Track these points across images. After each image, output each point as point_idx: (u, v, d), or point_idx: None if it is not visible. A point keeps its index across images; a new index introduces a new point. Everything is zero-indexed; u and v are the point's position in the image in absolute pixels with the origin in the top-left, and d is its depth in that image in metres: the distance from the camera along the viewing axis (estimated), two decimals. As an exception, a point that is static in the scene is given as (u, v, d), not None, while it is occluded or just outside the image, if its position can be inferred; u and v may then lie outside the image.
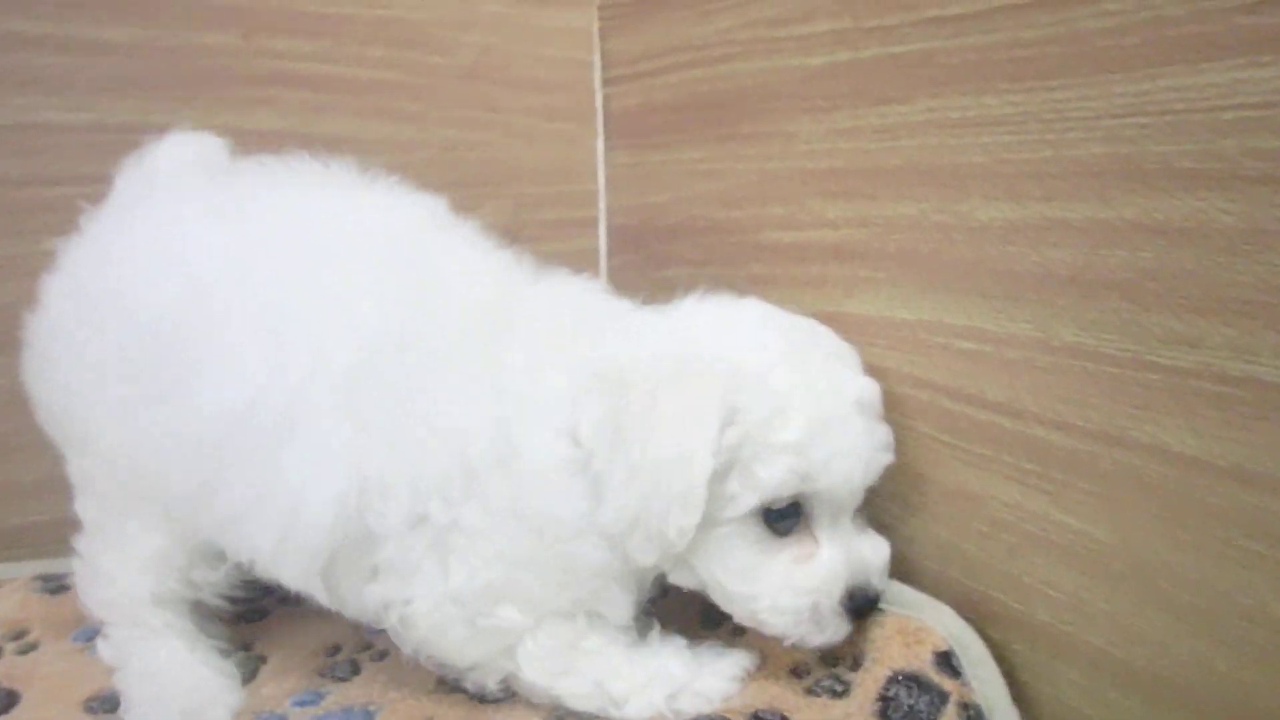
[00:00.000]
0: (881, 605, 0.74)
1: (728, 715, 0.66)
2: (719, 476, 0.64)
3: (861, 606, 0.67)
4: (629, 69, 1.16)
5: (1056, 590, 0.68)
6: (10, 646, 0.77)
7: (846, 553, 0.68)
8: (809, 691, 0.69)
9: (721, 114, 1.00)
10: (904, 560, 0.79)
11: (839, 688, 0.68)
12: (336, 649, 0.79)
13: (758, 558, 0.66)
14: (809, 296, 0.89)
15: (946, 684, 0.66)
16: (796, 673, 0.73)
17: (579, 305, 0.74)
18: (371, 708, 0.69)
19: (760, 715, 0.66)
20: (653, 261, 1.17)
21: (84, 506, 0.75)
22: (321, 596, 0.69)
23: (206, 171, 0.78)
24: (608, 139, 1.23)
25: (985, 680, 0.68)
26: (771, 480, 0.64)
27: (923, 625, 0.70)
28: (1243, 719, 0.57)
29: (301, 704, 0.71)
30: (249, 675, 0.75)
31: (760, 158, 0.95)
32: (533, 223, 1.19)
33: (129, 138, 0.95)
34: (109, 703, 0.70)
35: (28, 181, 0.92)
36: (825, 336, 0.75)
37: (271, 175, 0.75)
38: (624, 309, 0.76)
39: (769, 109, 0.92)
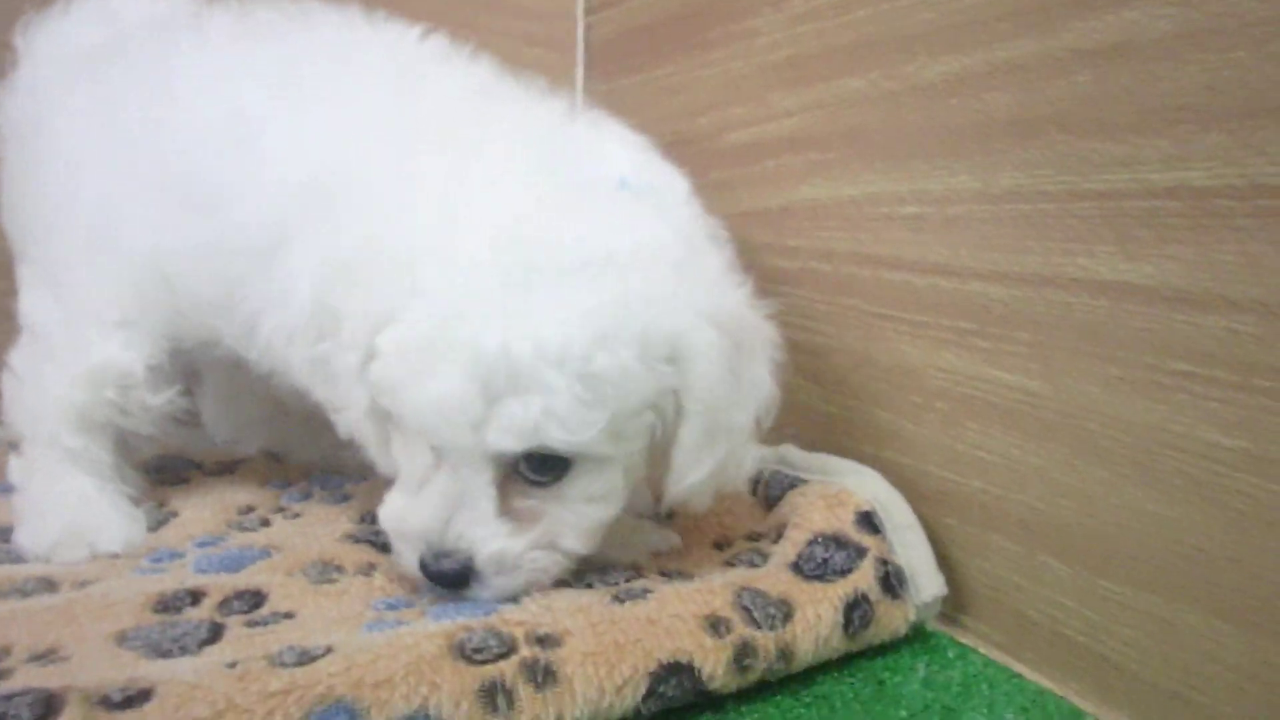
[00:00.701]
0: (805, 476, 0.72)
1: (644, 572, 0.63)
2: None
3: (435, 577, 0.57)
4: (609, -4, 1.16)
5: (989, 453, 0.64)
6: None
7: (438, 517, 0.57)
8: (728, 564, 0.66)
9: (691, 25, 0.99)
10: (842, 450, 0.76)
11: (758, 560, 0.65)
12: (250, 509, 0.76)
13: (404, 461, 0.60)
14: (765, 191, 0.87)
15: (866, 540, 0.63)
16: (718, 545, 0.70)
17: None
18: (272, 549, 0.67)
19: (667, 573, 0.63)
20: (624, 187, 1.15)
21: (34, 308, 0.73)
22: (318, 381, 0.66)
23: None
24: (587, 68, 1.22)
25: (909, 545, 0.64)
26: (380, 385, 0.57)
27: (845, 489, 0.67)
28: (1171, 564, 0.53)
29: (202, 545, 0.68)
30: (155, 525, 0.72)
31: (724, 60, 0.93)
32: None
33: None
34: (4, 534, 0.68)
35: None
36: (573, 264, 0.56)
37: (287, 13, 0.75)
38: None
39: (734, 9, 0.91)
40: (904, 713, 0.55)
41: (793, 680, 0.57)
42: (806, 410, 0.82)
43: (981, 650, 0.63)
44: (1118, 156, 0.55)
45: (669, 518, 0.73)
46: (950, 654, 0.62)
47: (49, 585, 0.59)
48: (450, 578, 0.56)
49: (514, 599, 0.56)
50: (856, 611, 0.58)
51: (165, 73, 0.72)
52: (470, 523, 0.56)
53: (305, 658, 0.46)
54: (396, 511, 0.59)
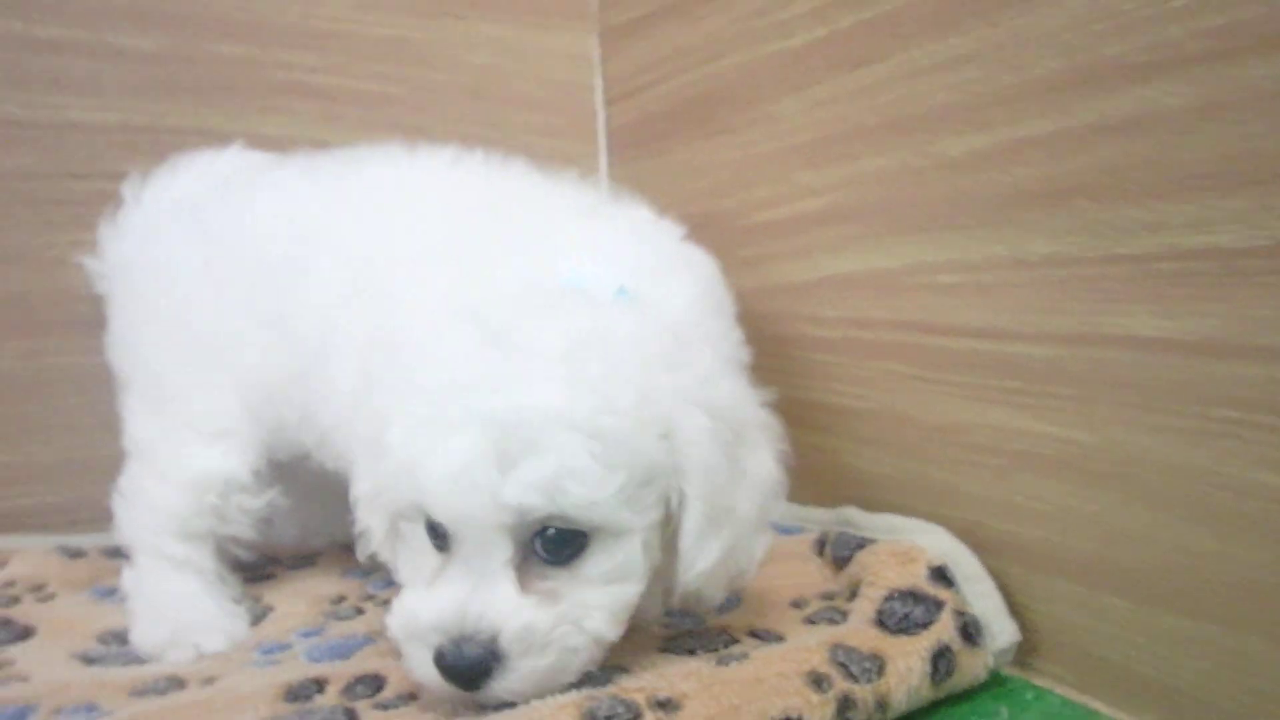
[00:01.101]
0: (872, 535, 0.75)
1: (729, 630, 0.66)
2: None
3: (454, 669, 0.53)
4: (627, 85, 1.23)
5: (1045, 503, 0.68)
6: (29, 596, 0.78)
7: (454, 602, 0.54)
8: (808, 621, 0.69)
9: (710, 111, 1.05)
10: (899, 508, 0.80)
11: (837, 617, 0.69)
12: (342, 598, 0.79)
13: (409, 568, 0.59)
14: (797, 266, 0.93)
15: (941, 593, 0.66)
16: (795, 604, 0.73)
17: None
18: (373, 636, 0.70)
19: (756, 632, 0.67)
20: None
21: (139, 429, 0.79)
22: None
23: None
24: (610, 154, 1.28)
25: (981, 595, 0.68)
26: (386, 479, 0.57)
27: (915, 546, 0.71)
28: (1232, 596, 0.57)
29: (306, 635, 0.72)
30: (256, 619, 0.76)
31: (746, 145, 0.99)
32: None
33: (152, 137, 1.02)
34: (121, 637, 0.72)
35: (56, 175, 0.98)
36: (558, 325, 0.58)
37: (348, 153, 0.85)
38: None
39: (754, 96, 0.98)
40: (996, 754, 0.58)
41: (888, 729, 0.60)
42: (859, 474, 0.86)
43: (1058, 691, 0.67)
44: (1146, 222, 0.60)
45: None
46: (1028, 696, 0.65)
47: (179, 683, 0.62)
48: (472, 666, 0.52)
49: (537, 694, 0.53)
50: (941, 661, 0.62)
51: (246, 212, 0.80)
52: (491, 602, 0.54)
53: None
54: (407, 609, 0.56)
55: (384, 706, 0.58)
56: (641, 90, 1.19)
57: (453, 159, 0.85)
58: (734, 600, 0.73)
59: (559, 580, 0.55)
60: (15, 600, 0.77)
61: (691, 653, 0.62)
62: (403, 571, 0.60)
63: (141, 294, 0.82)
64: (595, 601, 0.56)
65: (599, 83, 1.28)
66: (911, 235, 0.79)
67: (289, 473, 0.87)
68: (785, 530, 0.88)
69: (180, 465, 0.75)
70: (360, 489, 0.62)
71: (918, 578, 0.68)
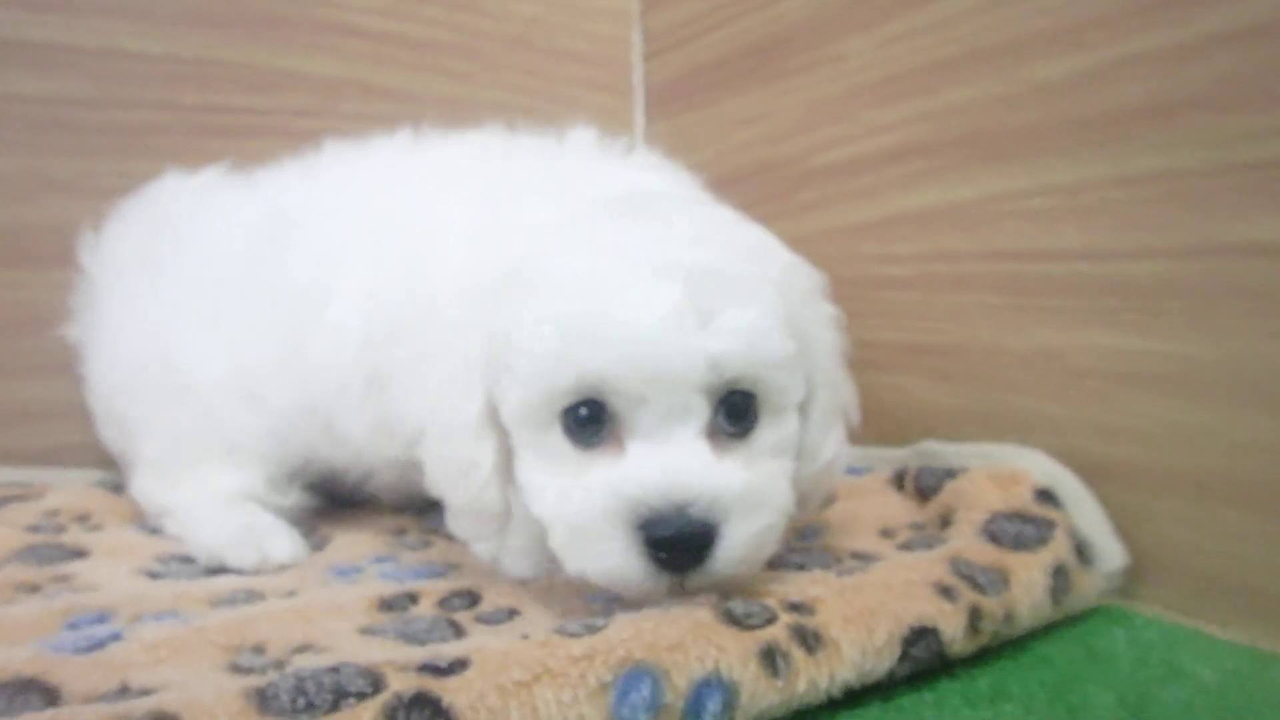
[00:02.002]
0: (962, 465, 0.73)
1: (831, 549, 0.64)
2: (495, 379, 0.54)
3: (658, 539, 0.48)
4: (670, 39, 1.21)
5: (1150, 421, 0.67)
6: (76, 525, 0.74)
7: (639, 468, 0.49)
8: (902, 547, 0.67)
9: (769, 56, 1.03)
10: (978, 440, 0.78)
11: (934, 543, 0.66)
12: (404, 530, 0.76)
13: (551, 477, 0.52)
14: (866, 205, 0.91)
15: (1051, 514, 0.64)
16: (885, 534, 0.71)
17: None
18: (451, 566, 0.67)
19: (857, 553, 0.64)
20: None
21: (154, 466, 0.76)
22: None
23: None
24: (648, 110, 1.26)
25: (1088, 516, 0.66)
26: (532, 370, 0.51)
27: (1016, 469, 0.69)
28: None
29: (380, 560, 0.68)
30: (317, 547, 0.73)
31: (807, 88, 0.98)
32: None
33: (199, 69, 0.99)
34: (183, 559, 0.68)
35: (102, 104, 0.94)
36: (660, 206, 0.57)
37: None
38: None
39: (817, 38, 0.96)
40: (1123, 670, 0.56)
41: (1011, 645, 0.58)
42: (936, 410, 0.84)
43: (1166, 618, 0.65)
44: (1265, 128, 0.59)
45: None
46: (1145, 616, 0.64)
47: (258, 595, 0.59)
48: (698, 534, 0.47)
49: (746, 571, 0.51)
50: (1060, 578, 0.60)
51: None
52: (705, 465, 0.49)
53: (587, 629, 0.46)
54: (594, 486, 0.49)
55: (485, 620, 0.55)
56: (687, 42, 1.17)
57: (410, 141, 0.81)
58: (813, 532, 0.71)
59: (738, 453, 0.52)
60: (62, 528, 0.73)
61: (802, 568, 0.60)
62: (534, 480, 0.53)
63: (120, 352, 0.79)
64: (778, 471, 0.54)
65: (637, 38, 1.26)
66: (996, 164, 0.77)
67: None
68: (855, 471, 0.86)
69: (204, 485, 0.73)
70: (457, 421, 0.55)
71: (1023, 499, 0.66)
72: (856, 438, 0.90)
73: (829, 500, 0.69)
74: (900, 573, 0.55)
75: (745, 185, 1.08)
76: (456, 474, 0.56)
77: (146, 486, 0.75)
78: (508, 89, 1.18)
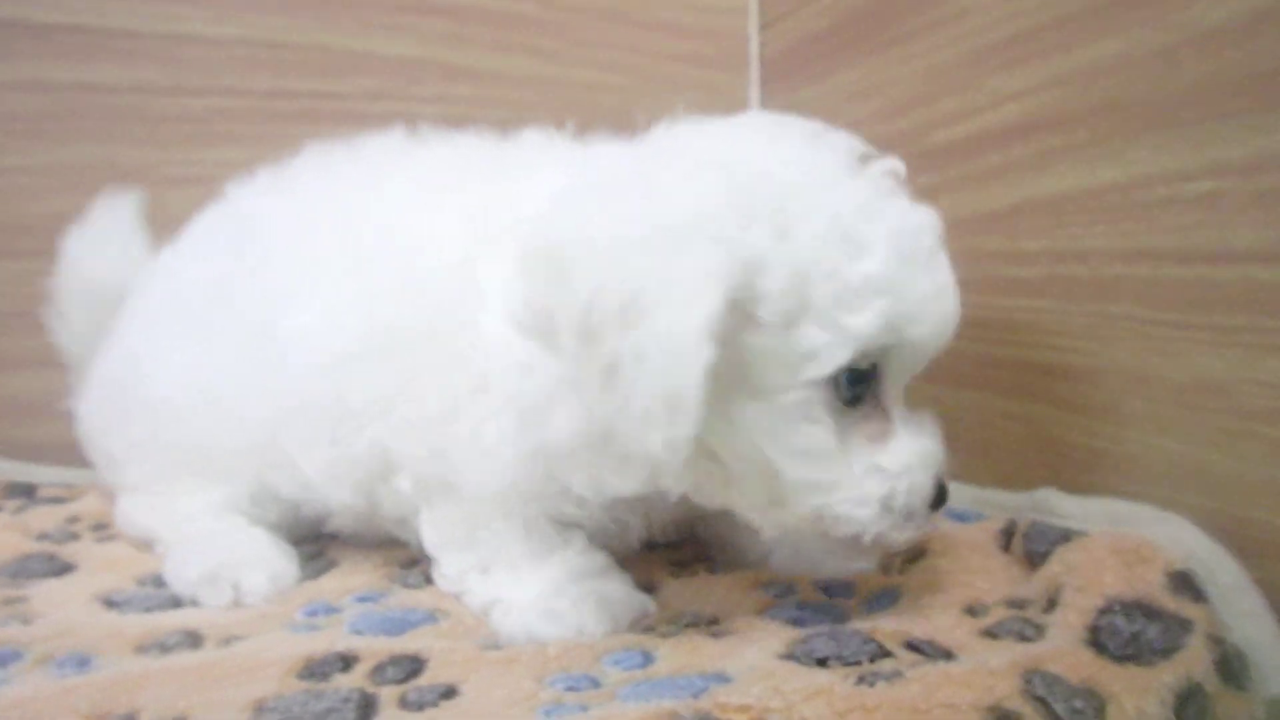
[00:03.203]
0: (1080, 526, 0.57)
1: (876, 637, 0.50)
2: (786, 326, 0.47)
3: (939, 500, 0.52)
4: (784, 6, 1.06)
5: (1354, 492, 0.48)
6: (90, 534, 0.72)
7: (934, 443, 0.52)
8: (987, 634, 0.52)
9: (882, 19, 0.88)
10: (1119, 492, 0.61)
11: (1030, 632, 0.51)
12: (413, 562, 0.68)
13: (829, 435, 0.49)
14: (990, 191, 0.74)
15: (1187, 609, 0.47)
16: (972, 611, 0.55)
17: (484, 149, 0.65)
18: (438, 614, 0.58)
19: (915, 644, 0.50)
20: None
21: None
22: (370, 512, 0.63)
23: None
24: (763, 87, 1.13)
25: (1246, 615, 0.48)
26: (864, 328, 0.47)
27: (1146, 542, 0.51)
28: None
29: (363, 599, 0.60)
30: (317, 572, 0.65)
31: (925, 53, 0.82)
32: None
33: (271, 53, 0.95)
34: (154, 582, 0.63)
35: (173, 91, 0.92)
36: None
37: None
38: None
39: (939, -7, 0.80)
40: None
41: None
42: (1064, 446, 0.67)
43: (1364, 763, 0.46)
44: None
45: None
46: (1320, 767, 0.46)
47: (193, 640, 0.52)
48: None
49: None
50: (1190, 706, 0.43)
51: None
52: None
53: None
54: (885, 467, 0.51)
55: (408, 703, 0.45)
56: (802, 6, 1.03)
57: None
58: (886, 598, 0.57)
59: None
60: (74, 536, 0.70)
61: (822, 663, 0.46)
62: (802, 459, 0.50)
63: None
64: None
65: (753, 4, 1.12)
66: (1148, 136, 0.60)
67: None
68: (959, 517, 0.70)
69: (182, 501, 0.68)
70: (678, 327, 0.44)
71: (1151, 585, 0.49)
72: (968, 475, 0.76)
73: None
74: (944, 689, 0.41)
75: (860, 169, 0.94)
76: (653, 421, 0.44)
77: (124, 510, 0.71)
78: (602, 67, 1.08)
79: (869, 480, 0.50)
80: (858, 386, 0.50)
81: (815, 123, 0.54)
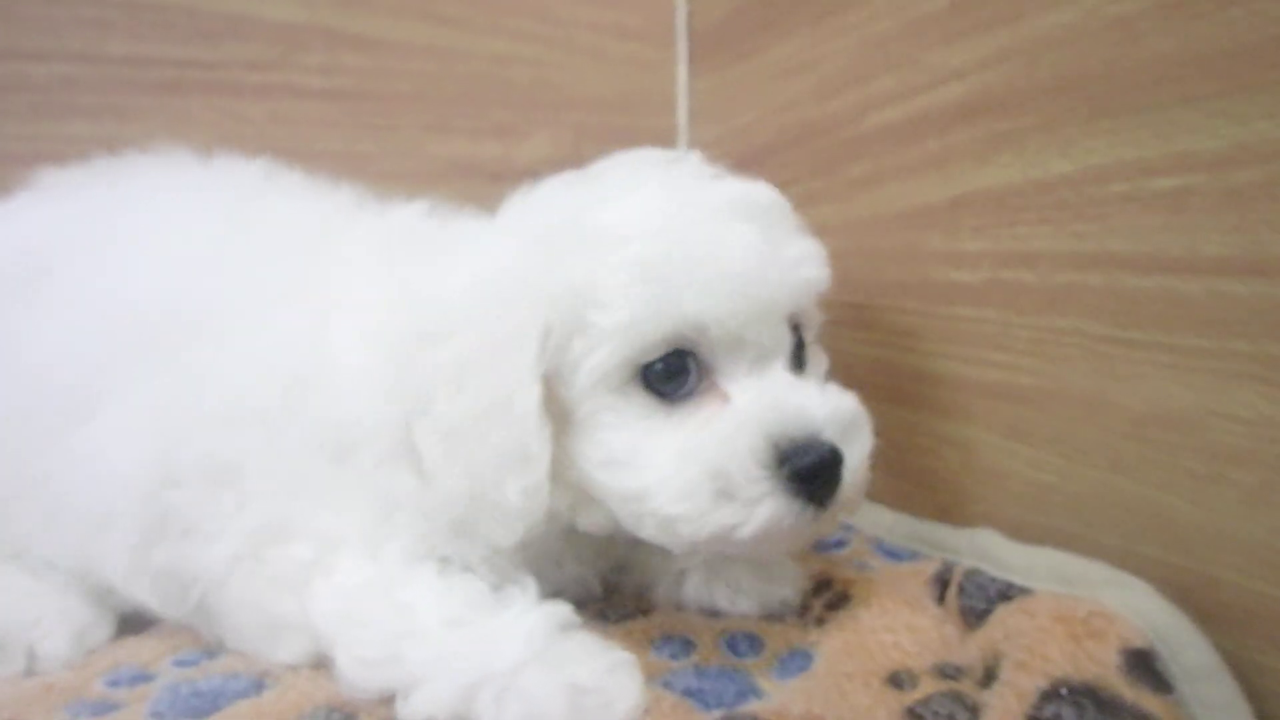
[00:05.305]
0: (1023, 582, 0.49)
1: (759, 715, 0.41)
2: (565, 347, 0.48)
3: (808, 468, 0.45)
4: (714, -29, 0.97)
5: (1340, 552, 0.40)
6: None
7: (772, 401, 0.48)
8: (911, 715, 0.44)
9: (819, -18, 0.79)
10: (1072, 544, 0.53)
11: (960, 715, 0.43)
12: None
13: (641, 436, 0.48)
14: (927, 182, 0.66)
15: (1145, 700, 0.39)
16: (894, 681, 0.47)
17: (408, 227, 0.60)
18: (267, 681, 0.48)
19: (824, 726, 0.42)
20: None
21: None
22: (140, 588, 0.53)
23: None
24: (692, 63, 1.03)
25: (1217, 706, 0.40)
26: (620, 321, 0.47)
27: (1099, 611, 0.44)
28: None
29: (182, 664, 0.51)
30: (136, 628, 0.56)
31: (865, 21, 0.72)
32: (595, 159, 1.00)
33: (127, 14, 0.85)
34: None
35: (9, 55, 0.80)
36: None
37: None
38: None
39: (876, -47, 0.71)
40: None
41: None
42: (1007, 479, 0.59)
43: None
44: None
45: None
46: None
47: None
48: (835, 462, 0.46)
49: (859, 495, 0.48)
50: (1148, 829, 0.35)
51: None
52: (813, 394, 0.49)
53: None
54: (732, 431, 0.46)
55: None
56: (733, -27, 0.94)
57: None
58: (799, 659, 0.49)
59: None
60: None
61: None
62: (616, 466, 0.48)
63: None
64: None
65: (680, -31, 1.02)
66: (1103, 122, 0.51)
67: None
68: (891, 554, 0.62)
69: None
70: (517, 408, 0.47)
71: (1105, 666, 0.41)
72: (901, 503, 0.68)
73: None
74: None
75: (787, 155, 0.85)
76: (504, 473, 0.47)
77: None
78: (514, 37, 0.97)
79: (685, 467, 0.46)
80: (679, 379, 0.48)
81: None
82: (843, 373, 0.55)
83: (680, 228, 0.48)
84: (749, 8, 0.91)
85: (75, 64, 0.82)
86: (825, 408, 0.48)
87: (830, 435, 0.47)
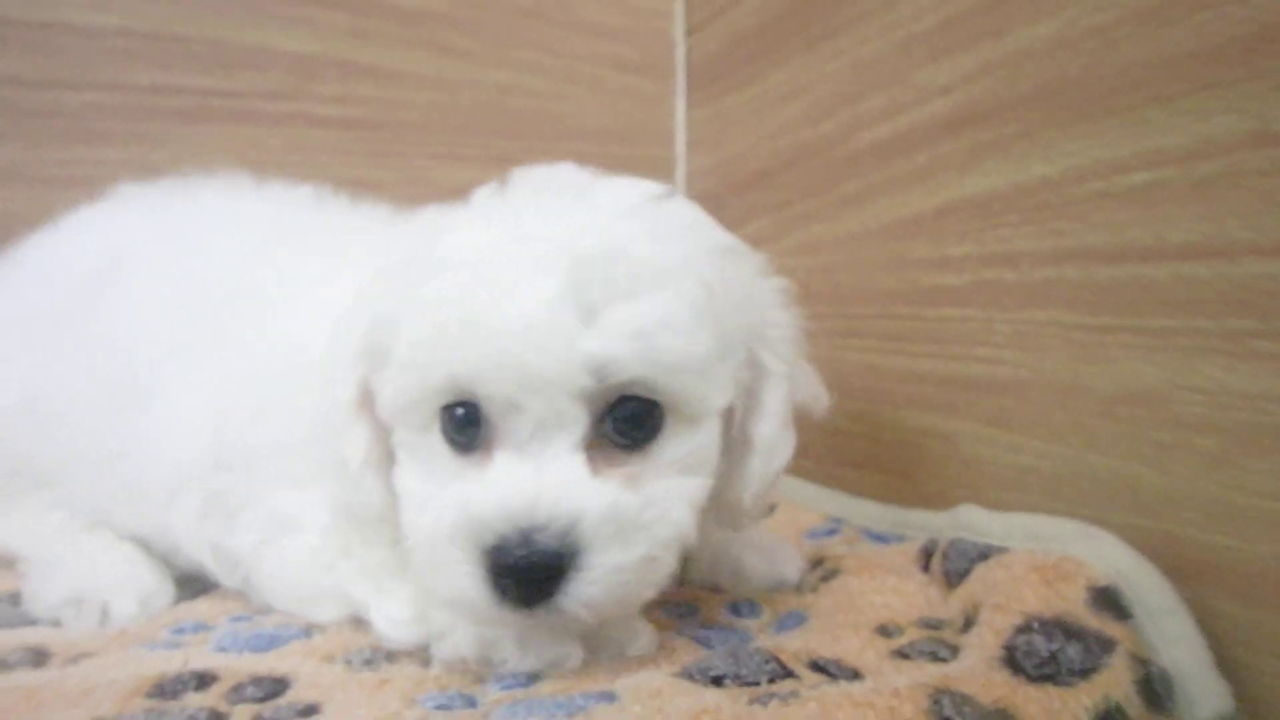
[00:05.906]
0: (1002, 543, 0.52)
1: (778, 656, 0.44)
2: (371, 376, 0.49)
3: (505, 567, 0.41)
4: (712, 7, 1.03)
5: (1294, 504, 0.44)
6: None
7: (495, 486, 0.43)
8: (899, 654, 0.47)
9: (811, 13, 0.84)
10: (1046, 510, 0.56)
11: (943, 652, 0.46)
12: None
13: (421, 482, 0.47)
14: (916, 193, 0.70)
15: (1109, 628, 0.43)
16: (884, 631, 0.50)
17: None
18: (314, 631, 0.52)
19: (821, 664, 0.44)
20: (730, 221, 0.99)
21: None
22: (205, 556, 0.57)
23: None
24: (689, 94, 1.08)
25: (1174, 637, 0.44)
26: (404, 359, 0.45)
27: (1069, 558, 0.47)
28: None
29: (237, 619, 0.54)
30: (197, 592, 0.59)
31: (855, 45, 0.78)
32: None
33: (154, 45, 0.88)
34: (17, 599, 0.57)
35: (46, 84, 0.84)
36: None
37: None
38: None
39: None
40: None
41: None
42: (988, 465, 0.62)
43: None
44: None
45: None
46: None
47: (38, 658, 0.48)
48: (545, 563, 0.41)
49: (614, 610, 0.43)
50: (1109, 731, 0.38)
51: None
52: (565, 483, 0.42)
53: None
54: (450, 500, 0.43)
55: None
56: (731, 6, 0.99)
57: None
58: (795, 618, 0.52)
59: (633, 466, 0.45)
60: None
61: (718, 682, 0.41)
62: (411, 484, 0.47)
63: None
64: (677, 491, 0.45)
65: (679, 8, 1.08)
66: (1081, 126, 0.56)
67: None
68: (879, 538, 0.65)
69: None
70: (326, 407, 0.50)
71: (1072, 602, 0.44)
72: (890, 496, 0.71)
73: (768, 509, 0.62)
74: (844, 711, 0.35)
75: (781, 178, 0.89)
76: (330, 471, 0.50)
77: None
78: (517, 68, 1.02)
79: (422, 521, 0.45)
80: (470, 430, 0.45)
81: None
82: (834, 380, 0.57)
83: (478, 271, 0.44)
84: (745, 39, 0.96)
85: (105, 92, 0.86)
86: (564, 506, 0.41)
87: (551, 537, 0.41)
